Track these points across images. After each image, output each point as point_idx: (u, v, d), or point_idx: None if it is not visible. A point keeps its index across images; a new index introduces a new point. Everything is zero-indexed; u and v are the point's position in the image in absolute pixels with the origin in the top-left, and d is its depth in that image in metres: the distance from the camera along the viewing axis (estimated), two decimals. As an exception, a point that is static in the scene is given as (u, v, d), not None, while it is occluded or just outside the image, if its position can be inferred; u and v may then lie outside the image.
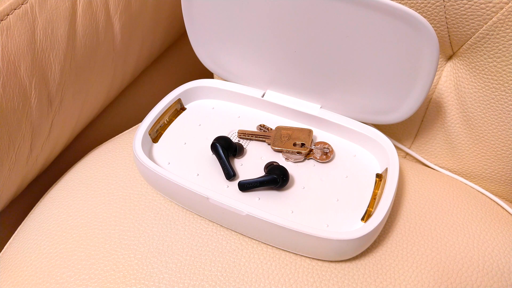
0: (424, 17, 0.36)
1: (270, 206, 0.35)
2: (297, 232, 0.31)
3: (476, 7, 0.33)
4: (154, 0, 0.49)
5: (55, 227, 0.37)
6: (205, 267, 0.33)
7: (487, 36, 0.35)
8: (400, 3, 0.36)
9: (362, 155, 0.39)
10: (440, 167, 0.44)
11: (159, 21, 0.52)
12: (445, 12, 0.35)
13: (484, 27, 0.34)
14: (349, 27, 0.33)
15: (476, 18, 0.34)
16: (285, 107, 0.41)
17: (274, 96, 0.42)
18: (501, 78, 0.36)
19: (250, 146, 0.40)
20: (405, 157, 0.47)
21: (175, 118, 0.42)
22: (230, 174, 0.36)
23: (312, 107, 0.41)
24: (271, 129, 0.41)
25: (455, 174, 0.43)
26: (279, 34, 0.37)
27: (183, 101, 0.43)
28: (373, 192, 0.36)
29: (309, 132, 0.40)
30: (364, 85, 0.37)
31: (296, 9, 0.34)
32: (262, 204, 0.35)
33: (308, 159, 0.39)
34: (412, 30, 0.31)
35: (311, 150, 0.39)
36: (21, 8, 0.35)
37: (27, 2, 0.35)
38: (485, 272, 0.34)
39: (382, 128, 0.45)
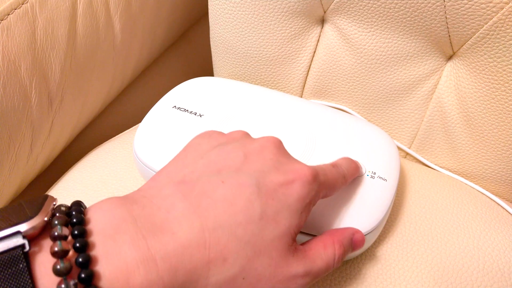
0: (424, 17, 0.36)
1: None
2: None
3: (476, 7, 0.33)
4: (154, 0, 0.49)
5: (55, 227, 0.37)
6: (205, 267, 0.33)
7: (488, 36, 0.35)
8: (398, 3, 0.36)
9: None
10: (440, 167, 0.44)
11: (159, 21, 0.52)
12: (445, 12, 0.35)
13: (484, 27, 0.34)
14: None
15: (476, 18, 0.34)
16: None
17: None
18: (501, 78, 0.36)
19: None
20: (405, 157, 0.47)
21: (175, 118, 0.42)
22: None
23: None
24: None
25: (455, 174, 0.43)
26: None
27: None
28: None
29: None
30: None
31: None
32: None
33: (308, 159, 0.39)
34: None
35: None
36: (21, 7, 0.35)
37: (27, 1, 0.35)
38: (485, 272, 0.34)
39: (382, 127, 0.45)
